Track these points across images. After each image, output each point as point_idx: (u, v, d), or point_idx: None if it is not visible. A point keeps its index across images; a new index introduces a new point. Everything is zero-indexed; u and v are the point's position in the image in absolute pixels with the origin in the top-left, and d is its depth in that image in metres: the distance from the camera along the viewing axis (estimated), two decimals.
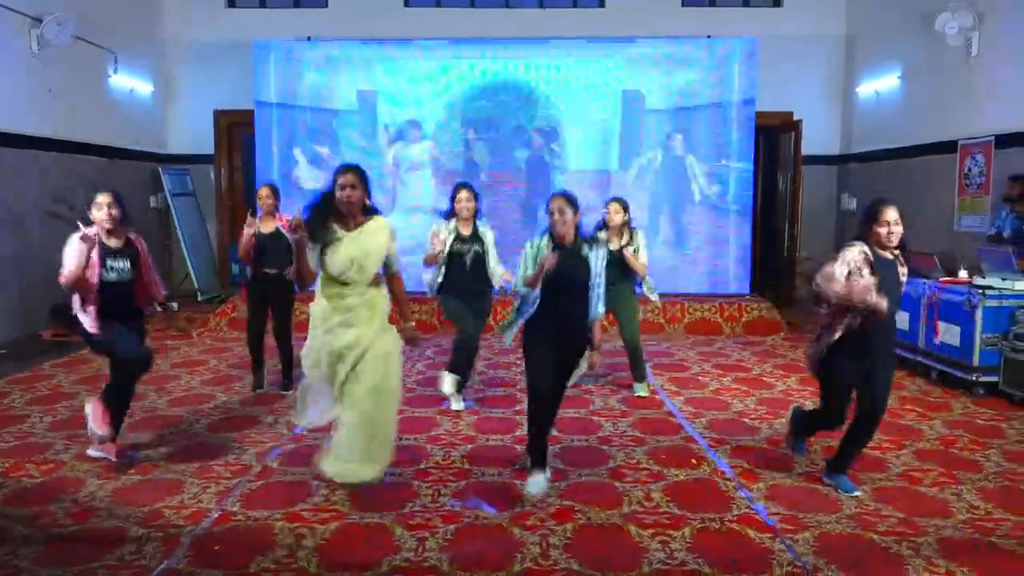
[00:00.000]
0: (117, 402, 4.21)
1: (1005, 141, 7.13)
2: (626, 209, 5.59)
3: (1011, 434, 4.85)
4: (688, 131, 8.94)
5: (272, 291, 5.59)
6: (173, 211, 9.69)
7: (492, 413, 5.25)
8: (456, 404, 5.31)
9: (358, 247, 3.68)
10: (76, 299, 4.03)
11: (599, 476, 4.12)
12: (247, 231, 5.52)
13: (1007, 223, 6.63)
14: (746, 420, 5.16)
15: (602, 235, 5.17)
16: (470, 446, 4.60)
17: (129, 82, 9.27)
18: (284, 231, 5.30)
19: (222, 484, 3.97)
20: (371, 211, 3.80)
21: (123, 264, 4.11)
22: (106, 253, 4.05)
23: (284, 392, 5.67)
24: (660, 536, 3.40)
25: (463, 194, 5.20)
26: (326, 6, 10.10)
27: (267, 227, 5.53)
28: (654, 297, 5.80)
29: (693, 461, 4.35)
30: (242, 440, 4.67)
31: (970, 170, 7.65)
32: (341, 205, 3.70)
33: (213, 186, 10.24)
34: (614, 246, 5.44)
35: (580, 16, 10.13)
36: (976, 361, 5.68)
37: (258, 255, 5.53)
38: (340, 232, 3.69)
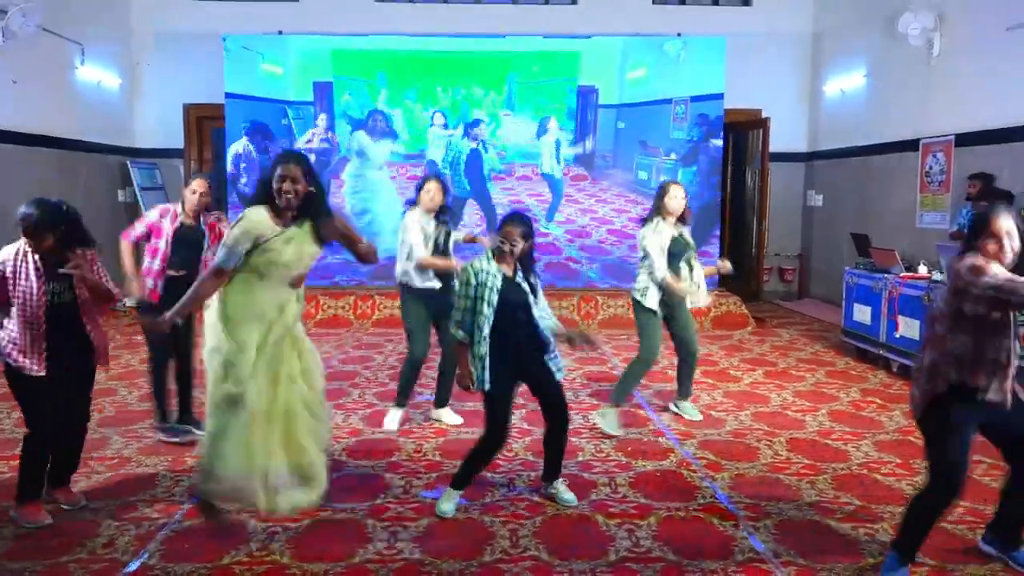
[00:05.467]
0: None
1: (965, 140, 7.33)
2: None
3: None
4: (655, 128, 9.03)
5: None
6: (142, 205, 9.58)
7: (464, 406, 5.30)
8: (450, 418, 5.01)
9: (294, 251, 3.29)
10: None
11: (567, 468, 4.20)
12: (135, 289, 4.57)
13: (967, 220, 6.82)
14: (712, 413, 5.27)
15: (659, 222, 4.83)
16: (442, 439, 4.66)
17: (96, 74, 9.16)
18: (206, 227, 4.62)
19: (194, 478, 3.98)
20: (309, 211, 3.32)
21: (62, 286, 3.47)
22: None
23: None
24: (626, 525, 3.49)
25: (431, 185, 4.82)
26: (297, 0, 10.06)
27: (190, 220, 4.61)
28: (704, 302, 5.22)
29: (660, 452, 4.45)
30: None
31: (931, 168, 7.85)
32: (279, 199, 3.23)
33: (183, 180, 10.14)
34: (676, 232, 4.89)
35: (552, 13, 10.20)
36: None
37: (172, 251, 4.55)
38: (272, 229, 3.24)
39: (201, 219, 4.63)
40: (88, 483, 3.90)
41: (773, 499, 3.79)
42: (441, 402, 5.08)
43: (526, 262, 3.69)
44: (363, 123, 9.03)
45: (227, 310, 3.28)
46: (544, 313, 3.72)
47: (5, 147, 7.47)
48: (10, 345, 3.42)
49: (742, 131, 10.22)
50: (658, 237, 4.82)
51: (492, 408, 3.61)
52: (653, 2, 10.20)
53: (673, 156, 9.02)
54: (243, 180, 8.97)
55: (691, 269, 5.01)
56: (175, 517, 3.52)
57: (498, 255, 3.59)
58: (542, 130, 9.05)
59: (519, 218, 3.67)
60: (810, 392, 5.80)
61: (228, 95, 8.96)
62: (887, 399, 5.62)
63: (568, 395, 5.58)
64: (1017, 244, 2.91)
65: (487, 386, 3.54)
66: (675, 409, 5.23)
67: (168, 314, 3.27)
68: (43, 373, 3.41)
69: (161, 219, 4.52)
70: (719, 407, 5.42)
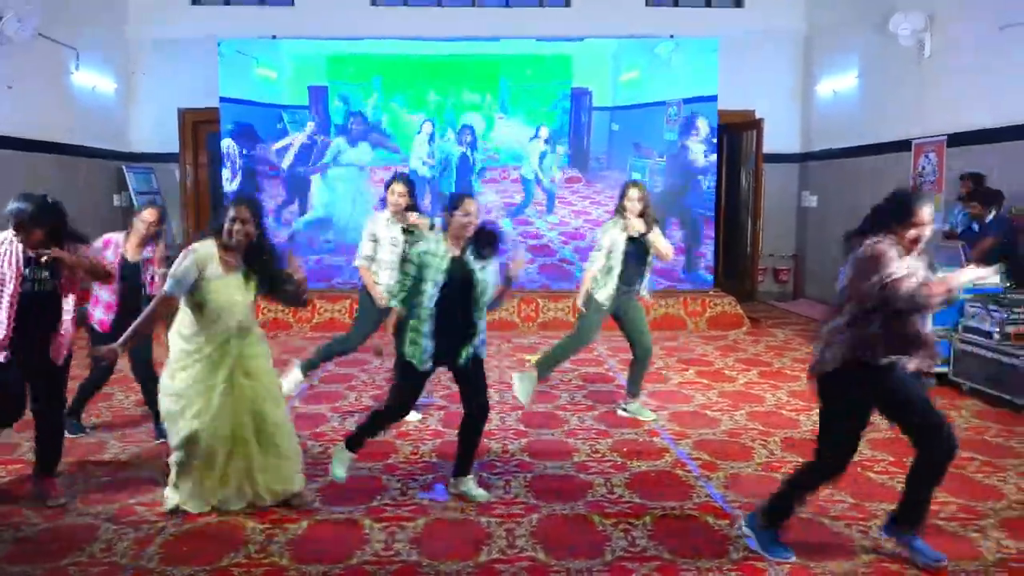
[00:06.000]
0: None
1: (957, 140, 7.38)
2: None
3: (959, 422, 5.05)
4: (649, 130, 9.07)
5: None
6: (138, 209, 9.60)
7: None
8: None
9: (228, 296, 3.46)
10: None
11: (564, 468, 4.23)
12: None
13: (959, 220, 6.86)
14: (707, 412, 5.31)
15: (618, 222, 4.91)
16: (438, 440, 4.69)
17: (92, 79, 9.18)
18: (152, 264, 4.60)
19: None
20: (254, 256, 3.52)
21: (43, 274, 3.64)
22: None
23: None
24: (622, 525, 3.52)
25: (396, 186, 4.85)
26: (292, 4, 10.08)
27: (134, 254, 4.57)
28: (647, 294, 5.24)
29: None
30: None
31: (923, 168, 7.89)
32: (228, 239, 3.43)
33: (178, 184, 10.18)
34: (638, 229, 4.89)
35: (546, 15, 10.25)
36: None
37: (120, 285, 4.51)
38: (216, 266, 3.43)
39: (148, 250, 4.63)
40: (86, 486, 3.92)
41: (767, 498, 3.81)
42: None
43: (484, 242, 3.69)
44: (343, 127, 9.05)
45: (174, 346, 3.53)
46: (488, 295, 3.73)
47: (2, 152, 7.48)
48: None
49: (736, 132, 10.26)
50: (602, 233, 4.97)
51: (408, 384, 3.72)
52: (646, 3, 10.25)
53: (666, 158, 9.06)
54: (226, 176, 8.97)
55: (645, 270, 5.07)
56: (173, 520, 3.54)
57: (455, 231, 3.63)
58: (534, 137, 9.10)
59: (471, 195, 3.76)
60: (804, 392, 5.83)
61: (223, 99, 8.97)
62: None
63: (564, 397, 5.65)
64: (930, 234, 2.97)
65: (417, 364, 3.63)
66: (624, 411, 5.24)
67: (116, 343, 3.41)
68: (1, 357, 3.52)
69: (104, 250, 4.49)
70: (714, 407, 5.45)
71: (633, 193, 4.90)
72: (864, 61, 9.02)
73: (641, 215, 4.89)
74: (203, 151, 10.27)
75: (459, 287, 3.63)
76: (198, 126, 10.10)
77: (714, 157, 9.10)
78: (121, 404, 5.44)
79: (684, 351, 7.35)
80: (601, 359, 6.92)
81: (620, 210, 4.95)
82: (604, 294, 4.94)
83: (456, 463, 3.90)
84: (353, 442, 3.82)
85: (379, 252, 4.95)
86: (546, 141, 9.09)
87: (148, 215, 4.58)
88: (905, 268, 2.88)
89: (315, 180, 9.00)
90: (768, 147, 9.85)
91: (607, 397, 5.68)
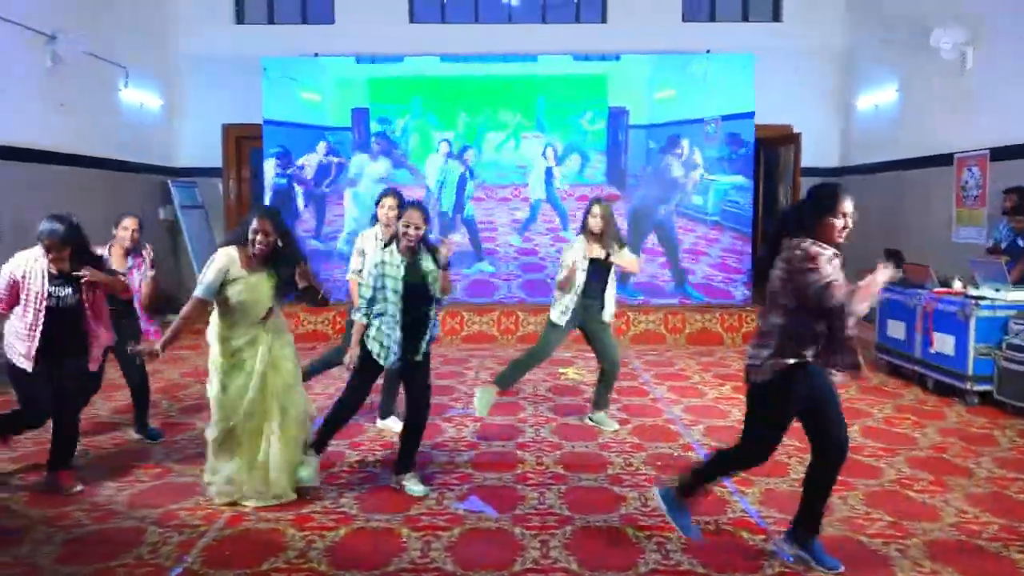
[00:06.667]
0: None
1: (1001, 154, 7.26)
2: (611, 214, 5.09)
3: (1003, 442, 4.96)
4: (688, 145, 9.07)
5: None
6: (182, 223, 9.86)
7: (494, 420, 5.37)
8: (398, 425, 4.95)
9: (252, 293, 3.80)
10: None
11: (598, 481, 4.25)
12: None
13: (1004, 235, 6.74)
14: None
15: (581, 240, 5.03)
16: (473, 452, 4.73)
17: (139, 96, 9.45)
18: (138, 271, 4.81)
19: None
20: (275, 259, 3.85)
21: (66, 291, 3.97)
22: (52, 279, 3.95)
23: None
24: (656, 538, 3.52)
25: (387, 200, 4.93)
26: (333, 23, 10.29)
27: (119, 264, 4.77)
28: (610, 319, 5.22)
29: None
30: None
31: (966, 182, 7.78)
32: (251, 247, 3.78)
33: (221, 198, 10.42)
34: (597, 255, 5.01)
35: (582, 31, 10.31)
36: (970, 370, 5.79)
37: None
38: (238, 268, 3.78)
39: (130, 259, 4.82)
40: (132, 491, 4.04)
41: None
42: (385, 414, 5.25)
43: (426, 245, 4.03)
44: (365, 145, 9.23)
45: (213, 349, 3.85)
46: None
47: (54, 167, 7.74)
48: (12, 338, 3.93)
49: (773, 147, 10.20)
50: (568, 251, 5.08)
51: (366, 378, 4.06)
52: (683, 19, 10.27)
53: (706, 175, 9.05)
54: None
55: (604, 286, 5.14)
56: (216, 525, 3.63)
57: (403, 241, 3.91)
58: (542, 155, 9.21)
59: (418, 204, 4.04)
60: (842, 408, 5.75)
61: (266, 121, 9.19)
62: (921, 416, 5.57)
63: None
64: (851, 225, 3.07)
65: (393, 362, 3.95)
66: (590, 421, 5.32)
67: (157, 345, 3.70)
68: (30, 368, 3.90)
69: None
70: None
71: (596, 210, 5.01)
72: (905, 75, 8.93)
73: (602, 233, 4.99)
74: (246, 166, 10.51)
75: (416, 288, 3.95)
76: (241, 141, 10.33)
77: (697, 174, 9.10)
78: (167, 412, 5.57)
79: (720, 366, 7.30)
80: (635, 372, 6.91)
81: (585, 227, 5.06)
82: (557, 313, 5.09)
83: (398, 460, 4.15)
84: (318, 446, 4.13)
85: (367, 266, 5.02)
86: (554, 158, 9.19)
87: (129, 223, 4.80)
88: (831, 271, 2.98)
89: (347, 195, 9.23)
90: (806, 161, 9.77)
91: (641, 411, 5.67)
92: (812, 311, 3.03)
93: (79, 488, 4.03)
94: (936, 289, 6.29)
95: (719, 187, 9.09)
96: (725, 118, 9.01)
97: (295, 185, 9.24)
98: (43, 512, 3.75)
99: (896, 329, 6.74)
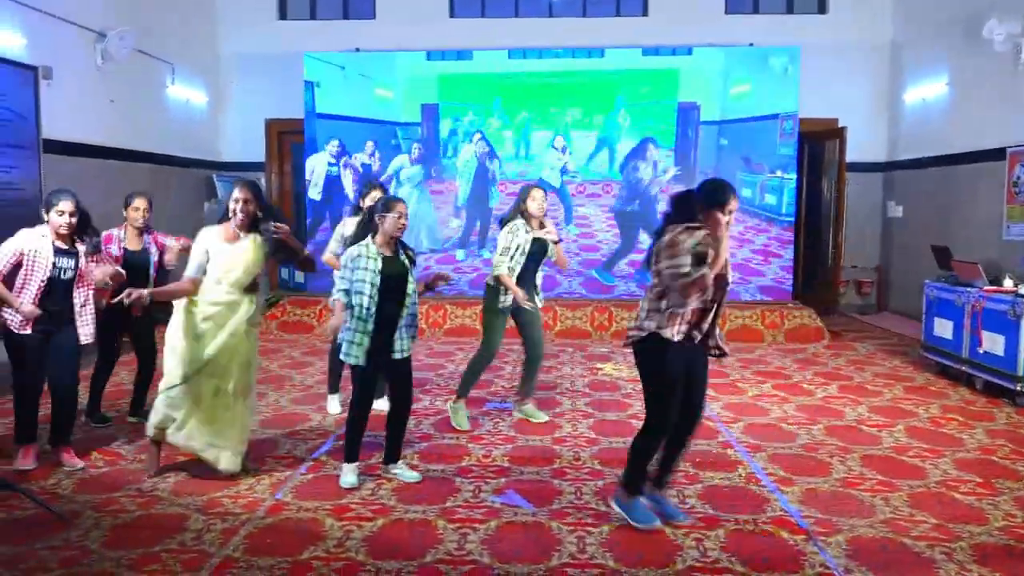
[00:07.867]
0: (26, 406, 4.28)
1: None
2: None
3: None
4: (759, 144, 8.93)
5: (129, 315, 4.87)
6: None
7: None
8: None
9: (225, 262, 3.97)
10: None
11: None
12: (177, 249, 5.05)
13: None
14: (783, 426, 5.21)
15: (522, 223, 4.96)
16: (510, 446, 4.74)
17: (185, 93, 9.64)
18: (156, 247, 5.05)
19: (275, 476, 4.17)
20: (256, 227, 4.05)
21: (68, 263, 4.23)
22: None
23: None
24: (694, 535, 3.50)
25: (374, 192, 5.06)
26: (374, 17, 10.37)
27: (134, 244, 4.98)
28: (540, 302, 5.22)
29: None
30: (293, 435, 4.89)
31: (1019, 178, 7.55)
32: (232, 216, 3.99)
33: (264, 192, 10.56)
34: (550, 235, 5.03)
35: (623, 25, 10.24)
36: (1020, 371, 5.63)
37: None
38: (218, 241, 3.98)
39: (146, 236, 5.02)
40: (177, 479, 4.13)
41: (845, 515, 3.72)
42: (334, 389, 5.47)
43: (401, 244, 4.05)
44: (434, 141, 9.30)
45: (189, 305, 4.01)
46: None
47: (104, 162, 7.93)
48: (10, 309, 4.13)
49: (817, 141, 10.02)
50: (511, 236, 4.94)
51: (364, 381, 4.00)
52: (725, 11, 10.13)
53: (779, 173, 8.89)
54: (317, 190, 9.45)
55: (536, 271, 5.13)
56: (257, 513, 3.70)
57: (386, 232, 3.94)
58: (550, 145, 9.21)
59: (398, 197, 4.10)
60: (887, 407, 5.66)
61: (318, 115, 9.33)
62: (969, 416, 5.44)
63: (636, 406, 5.62)
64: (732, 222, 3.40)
65: (362, 362, 3.91)
66: (518, 414, 5.27)
67: (146, 292, 3.84)
68: (28, 331, 4.13)
69: (108, 245, 4.83)
70: (790, 420, 5.34)
71: (538, 194, 4.99)
72: (955, 68, 8.70)
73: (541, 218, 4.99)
74: (288, 160, 10.66)
75: (394, 284, 3.93)
76: (283, 136, 10.48)
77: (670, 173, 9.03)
78: None
79: (761, 363, 7.21)
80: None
81: (521, 212, 4.98)
82: (500, 295, 4.99)
83: (386, 451, 4.22)
84: (351, 455, 4.09)
85: (343, 260, 5.08)
86: (562, 151, 9.17)
87: (140, 203, 4.99)
88: (688, 261, 3.28)
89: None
90: (851, 156, 9.59)
91: None
92: (666, 291, 3.37)
93: (81, 465, 4.24)
94: (986, 287, 6.13)
95: (790, 187, 8.98)
96: (770, 112, 8.86)
97: (346, 175, 9.38)
98: (91, 498, 3.86)
99: (943, 328, 6.58)
